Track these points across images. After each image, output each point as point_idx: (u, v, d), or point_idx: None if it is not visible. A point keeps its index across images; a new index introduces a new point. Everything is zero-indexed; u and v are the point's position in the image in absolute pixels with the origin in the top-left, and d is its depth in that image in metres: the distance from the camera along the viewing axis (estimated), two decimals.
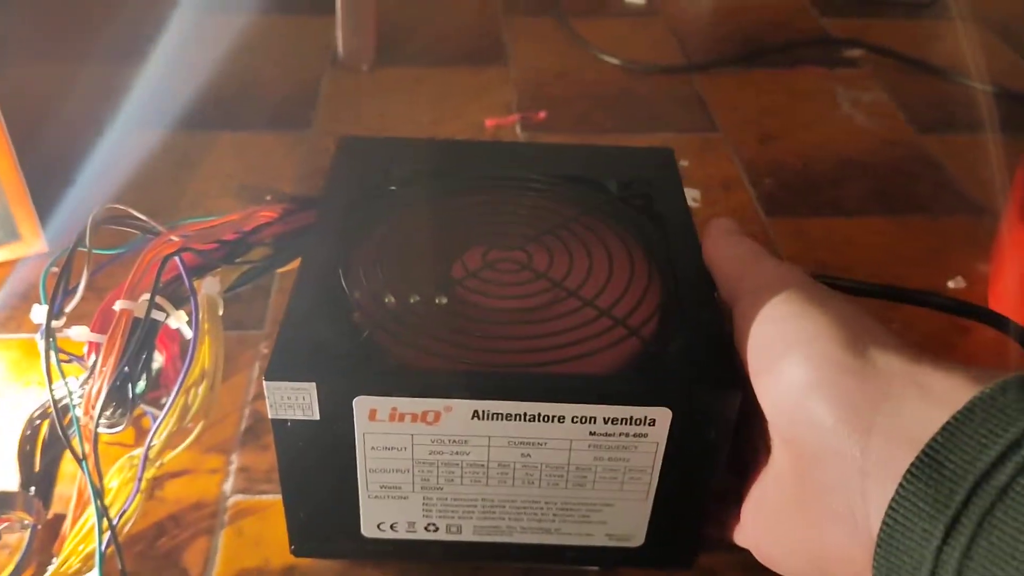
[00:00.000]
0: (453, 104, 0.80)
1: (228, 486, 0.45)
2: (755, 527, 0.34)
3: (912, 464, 0.24)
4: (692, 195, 0.68)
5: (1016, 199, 0.56)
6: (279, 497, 0.36)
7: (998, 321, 0.41)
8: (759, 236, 0.64)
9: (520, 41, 0.91)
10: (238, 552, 0.42)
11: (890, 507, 0.25)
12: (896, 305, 0.59)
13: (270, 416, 0.32)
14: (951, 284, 0.61)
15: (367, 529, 0.36)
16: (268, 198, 0.43)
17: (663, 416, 0.32)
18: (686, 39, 0.93)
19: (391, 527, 0.35)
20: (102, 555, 0.35)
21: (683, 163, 0.72)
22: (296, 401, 0.31)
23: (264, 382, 0.31)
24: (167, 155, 0.69)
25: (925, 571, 0.24)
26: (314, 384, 0.31)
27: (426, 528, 0.36)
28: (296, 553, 0.37)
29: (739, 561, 0.38)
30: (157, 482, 0.45)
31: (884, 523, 0.25)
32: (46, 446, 0.41)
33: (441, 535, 0.36)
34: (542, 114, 0.77)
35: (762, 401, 0.30)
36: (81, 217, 0.38)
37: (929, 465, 0.24)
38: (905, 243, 0.65)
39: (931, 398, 0.26)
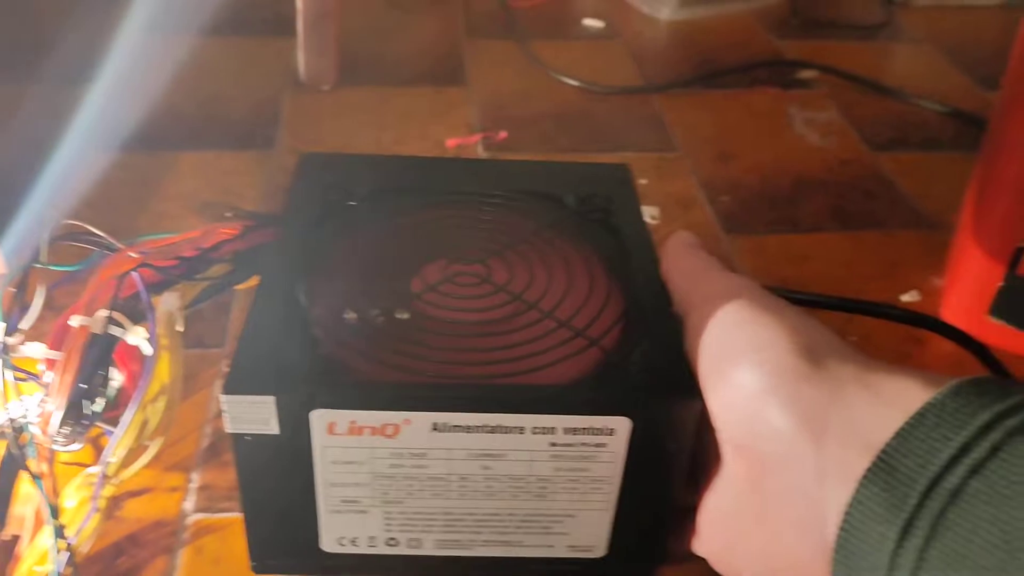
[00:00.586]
0: (415, 124, 0.80)
1: (189, 504, 0.45)
2: (711, 536, 0.34)
3: (867, 469, 0.25)
4: (651, 212, 0.69)
5: (966, 214, 0.58)
6: (240, 515, 0.36)
7: (951, 332, 0.42)
8: (718, 252, 0.65)
9: (481, 63, 0.92)
10: (198, 571, 0.42)
11: (847, 512, 0.25)
12: (853, 318, 0.61)
13: (228, 430, 0.32)
14: (905, 297, 0.62)
15: (328, 544, 0.35)
16: (228, 215, 0.43)
17: (623, 425, 0.32)
18: (644, 61, 0.94)
19: (352, 542, 0.35)
20: None
21: (642, 181, 0.73)
22: (254, 415, 0.31)
23: (221, 396, 0.31)
24: (127, 176, 0.69)
25: (881, 575, 0.24)
26: (273, 398, 0.31)
27: (387, 543, 0.35)
28: (256, 570, 0.36)
29: (698, 571, 0.38)
30: (116, 501, 0.45)
31: (841, 528, 0.25)
32: (1, 465, 0.41)
33: (402, 549, 0.36)
34: (503, 134, 0.78)
35: (713, 409, 0.31)
36: (37, 237, 0.38)
37: (883, 469, 0.24)
38: (860, 258, 0.66)
39: (883, 401, 0.26)
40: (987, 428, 0.23)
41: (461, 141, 0.77)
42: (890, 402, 0.26)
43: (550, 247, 0.40)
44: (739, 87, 0.90)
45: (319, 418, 0.32)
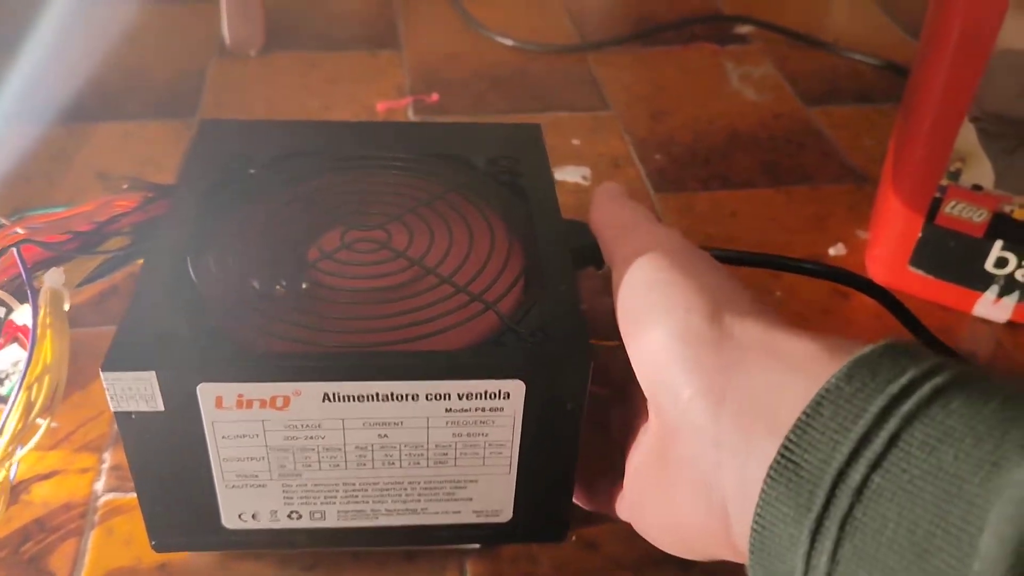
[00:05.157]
0: (344, 89, 0.78)
1: (100, 485, 0.44)
2: (631, 498, 0.34)
3: (771, 468, 0.24)
4: (582, 173, 0.69)
5: (887, 166, 0.58)
6: None
7: (866, 286, 0.42)
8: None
9: (414, 24, 0.90)
10: (108, 552, 0.41)
11: (756, 512, 0.24)
12: (780, 273, 0.61)
13: (112, 409, 0.31)
14: (832, 251, 0.62)
15: (228, 520, 0.35)
16: (125, 186, 0.42)
17: (517, 389, 0.32)
18: (580, 19, 0.93)
19: (252, 517, 0.35)
20: None
21: (574, 142, 0.72)
22: (138, 392, 0.31)
23: (102, 373, 0.30)
24: (41, 150, 0.67)
25: None
26: (154, 373, 0.30)
27: (289, 516, 0.35)
28: (157, 549, 0.36)
29: (620, 532, 0.38)
30: (24, 485, 0.44)
31: (753, 529, 0.25)
32: None
33: (305, 522, 0.35)
34: (435, 96, 0.77)
35: (633, 367, 0.30)
36: None
37: (787, 467, 0.23)
38: (789, 213, 0.66)
39: (782, 366, 0.26)
40: (883, 416, 0.22)
41: (391, 105, 0.75)
42: (788, 365, 0.26)
43: (453, 210, 0.39)
44: (676, 44, 0.89)
45: (205, 392, 0.31)
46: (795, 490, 0.23)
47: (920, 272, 0.56)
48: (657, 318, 0.29)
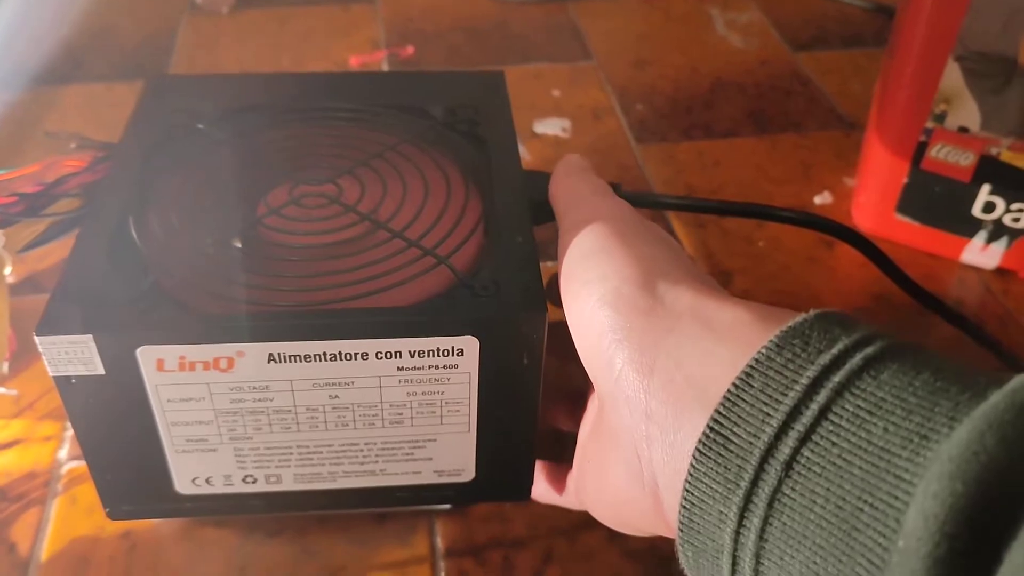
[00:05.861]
0: (317, 44, 0.76)
1: (63, 453, 0.43)
2: (577, 473, 0.33)
3: (699, 442, 0.23)
4: (562, 125, 0.67)
5: (873, 112, 0.56)
6: None
7: (848, 235, 0.41)
8: (629, 163, 0.63)
9: None
10: (71, 521, 0.40)
11: (685, 488, 0.23)
12: (763, 223, 0.59)
13: (51, 374, 0.30)
14: (818, 199, 0.61)
15: (182, 486, 0.34)
16: (73, 146, 0.41)
17: (470, 345, 0.31)
18: None
19: (207, 481, 0.34)
20: None
21: (554, 93, 0.70)
22: (75, 356, 0.29)
23: (36, 337, 0.29)
24: (5, 112, 0.65)
25: (727, 556, 0.22)
26: (91, 336, 0.29)
27: (244, 480, 0.34)
28: (111, 516, 0.35)
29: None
30: None
31: (682, 506, 0.24)
32: None
33: (262, 486, 0.34)
34: (410, 49, 0.75)
35: (573, 337, 0.29)
36: None
37: (716, 441, 0.22)
38: (775, 161, 0.64)
39: (713, 335, 0.25)
40: (814, 387, 0.21)
41: (365, 59, 0.73)
42: (722, 337, 0.25)
43: (407, 162, 0.37)
44: None
45: (146, 355, 0.30)
46: (724, 465, 0.22)
47: (907, 219, 0.54)
48: (592, 287, 0.28)
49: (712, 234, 0.57)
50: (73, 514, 0.40)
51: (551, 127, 0.67)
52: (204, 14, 0.80)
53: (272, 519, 0.40)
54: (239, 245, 0.33)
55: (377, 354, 0.31)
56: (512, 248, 0.33)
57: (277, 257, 0.33)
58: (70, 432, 0.44)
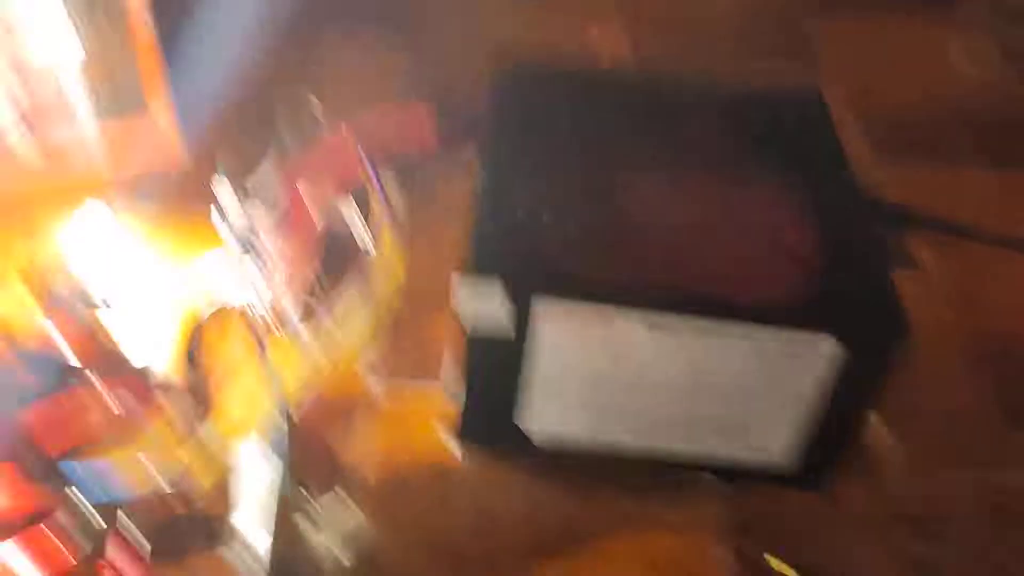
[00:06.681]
0: None
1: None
2: None
3: None
4: None
5: None
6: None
7: None
8: None
9: None
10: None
11: None
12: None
13: (458, 309, 0.35)
14: None
15: (533, 432, 0.38)
16: None
17: (826, 344, 0.34)
18: None
19: (556, 433, 0.38)
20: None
21: None
22: (484, 295, 0.34)
23: (456, 277, 0.34)
24: None
25: None
26: (499, 281, 0.33)
27: (590, 436, 0.38)
28: (462, 437, 0.39)
29: (867, 492, 0.40)
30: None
31: None
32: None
33: (599, 443, 0.38)
34: None
35: None
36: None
37: None
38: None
39: None
40: None
41: None
42: None
43: (767, 168, 0.41)
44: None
45: (541, 307, 0.34)
46: None
47: None
48: None
49: None
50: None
51: None
52: None
53: (562, 469, 0.44)
54: (623, 221, 0.37)
55: (742, 338, 0.34)
56: (869, 259, 0.36)
57: (654, 237, 0.37)
58: None
